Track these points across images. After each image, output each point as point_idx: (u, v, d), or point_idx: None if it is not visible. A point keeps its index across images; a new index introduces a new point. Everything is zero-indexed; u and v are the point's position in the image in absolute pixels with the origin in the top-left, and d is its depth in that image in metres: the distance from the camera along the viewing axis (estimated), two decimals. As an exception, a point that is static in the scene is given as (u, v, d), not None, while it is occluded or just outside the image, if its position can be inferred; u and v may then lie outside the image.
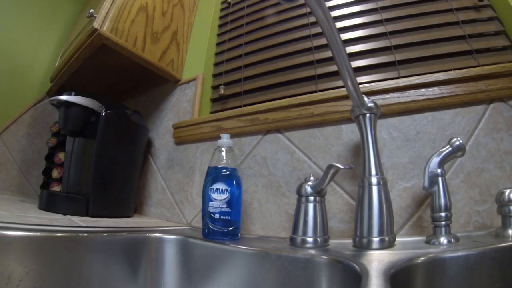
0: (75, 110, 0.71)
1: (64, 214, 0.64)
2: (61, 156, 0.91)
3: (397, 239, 0.43)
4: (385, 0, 0.72)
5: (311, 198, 0.47)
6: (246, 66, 0.85)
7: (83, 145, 0.75)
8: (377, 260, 0.34)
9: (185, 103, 0.88)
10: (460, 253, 0.34)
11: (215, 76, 0.92)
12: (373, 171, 0.44)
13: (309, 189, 0.47)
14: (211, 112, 0.85)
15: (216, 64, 0.94)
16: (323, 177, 0.45)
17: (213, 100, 0.88)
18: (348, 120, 0.58)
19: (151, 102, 1.00)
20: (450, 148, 0.42)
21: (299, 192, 0.48)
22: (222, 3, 1.05)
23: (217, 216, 0.52)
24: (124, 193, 0.77)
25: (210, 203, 0.53)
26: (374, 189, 0.42)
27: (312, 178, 0.48)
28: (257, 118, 0.67)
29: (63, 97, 0.69)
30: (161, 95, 0.97)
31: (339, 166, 0.43)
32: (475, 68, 0.50)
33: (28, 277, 0.37)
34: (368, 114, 0.46)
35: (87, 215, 0.67)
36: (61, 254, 0.41)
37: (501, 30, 0.59)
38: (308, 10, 0.81)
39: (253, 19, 0.92)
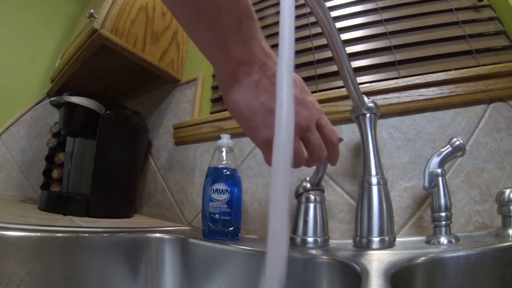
0: (76, 111, 0.71)
1: (65, 215, 0.64)
2: (61, 156, 0.91)
3: (397, 239, 0.43)
4: (385, 0, 0.72)
5: (312, 198, 0.47)
6: (246, 66, 0.85)
7: (83, 146, 0.75)
8: (377, 260, 0.34)
9: (185, 104, 0.88)
10: (460, 253, 0.34)
11: (215, 76, 0.92)
12: (373, 171, 0.44)
13: (308, 187, 0.47)
14: (211, 113, 0.85)
15: (216, 64, 0.94)
16: (316, 171, 0.46)
17: (213, 100, 0.88)
18: (348, 120, 0.58)
19: (151, 102, 1.00)
20: (450, 148, 0.42)
21: (299, 192, 0.48)
22: (222, 3, 1.05)
23: (217, 216, 0.52)
24: (124, 193, 0.77)
25: (210, 203, 0.53)
26: (374, 189, 0.42)
27: (312, 178, 0.49)
28: (257, 118, 0.67)
29: (64, 98, 0.69)
30: (161, 95, 0.97)
31: None
32: (475, 68, 0.50)
33: (28, 277, 0.37)
34: (368, 114, 0.46)
35: (87, 215, 0.67)
36: (61, 255, 0.41)
37: (501, 30, 0.59)
38: (308, 10, 0.81)
39: (253, 19, 0.92)
